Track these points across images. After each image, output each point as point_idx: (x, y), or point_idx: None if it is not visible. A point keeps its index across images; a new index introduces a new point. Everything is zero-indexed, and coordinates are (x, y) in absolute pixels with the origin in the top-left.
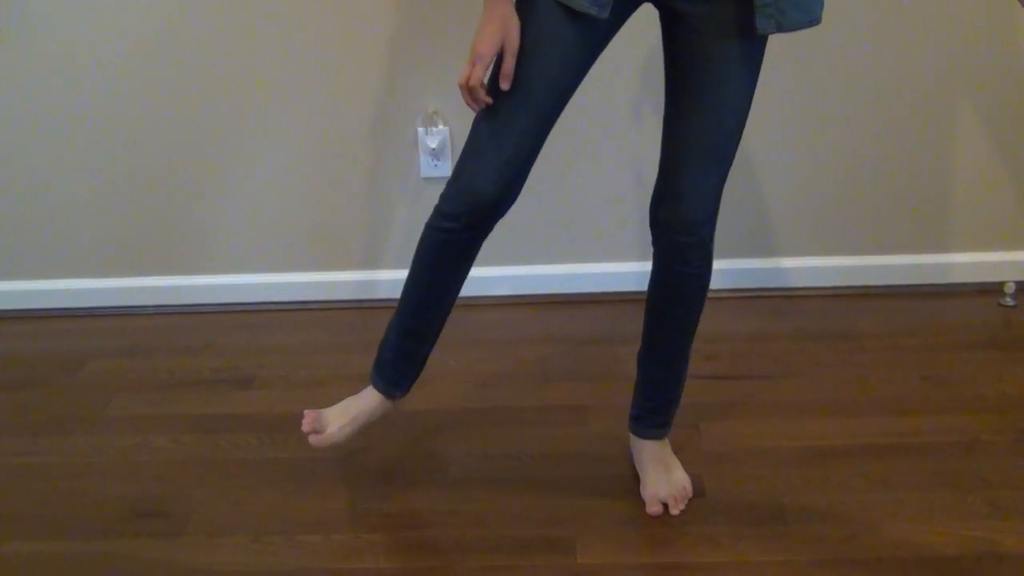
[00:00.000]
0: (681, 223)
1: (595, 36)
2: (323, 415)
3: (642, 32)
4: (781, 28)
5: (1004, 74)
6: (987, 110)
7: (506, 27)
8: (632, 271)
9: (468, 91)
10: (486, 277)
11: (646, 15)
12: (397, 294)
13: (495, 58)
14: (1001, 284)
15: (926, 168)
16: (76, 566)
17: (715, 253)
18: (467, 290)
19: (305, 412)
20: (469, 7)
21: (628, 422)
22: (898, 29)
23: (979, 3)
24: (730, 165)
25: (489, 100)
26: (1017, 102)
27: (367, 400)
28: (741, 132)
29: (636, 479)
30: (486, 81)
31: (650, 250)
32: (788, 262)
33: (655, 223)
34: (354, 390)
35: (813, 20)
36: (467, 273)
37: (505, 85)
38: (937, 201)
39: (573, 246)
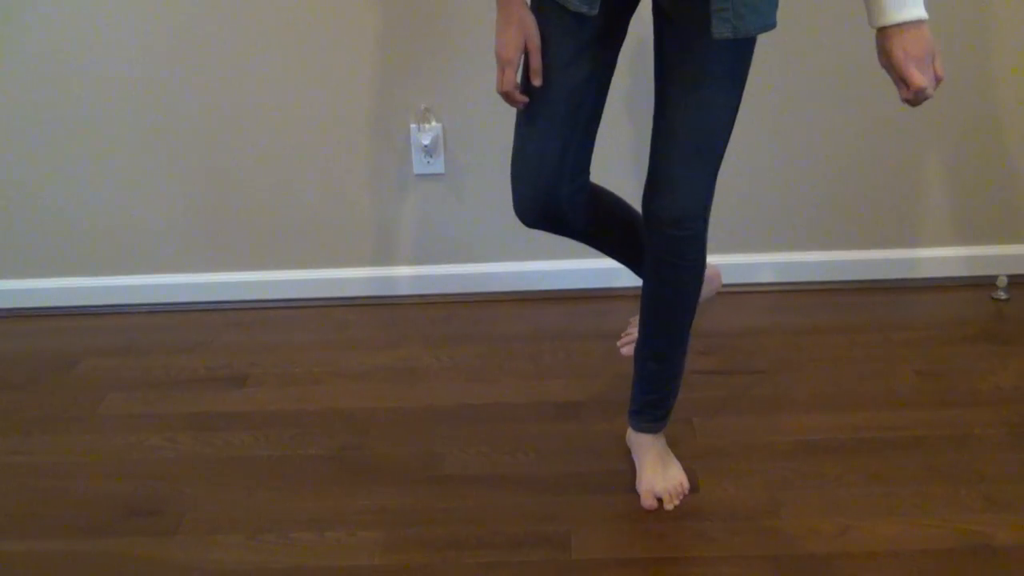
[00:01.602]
0: (674, 217)
1: (595, 34)
2: None
3: (631, 25)
4: (737, 33)
5: (1000, 72)
6: (981, 105)
7: (525, 27)
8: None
9: (504, 97)
10: (481, 273)
11: (637, 11)
12: (391, 291)
13: (521, 59)
14: (994, 278)
15: (919, 163)
16: (69, 565)
17: (709, 249)
18: (462, 287)
19: None
20: (463, 4)
21: (627, 416)
22: None
23: (965, 2)
24: (719, 160)
25: (525, 99)
26: (1010, 99)
27: None
28: (730, 127)
29: (631, 474)
30: (519, 80)
31: None
32: (781, 257)
33: (648, 217)
34: (348, 388)
35: (768, 25)
36: (600, 211)
37: (537, 81)
38: (930, 195)
39: (566, 242)
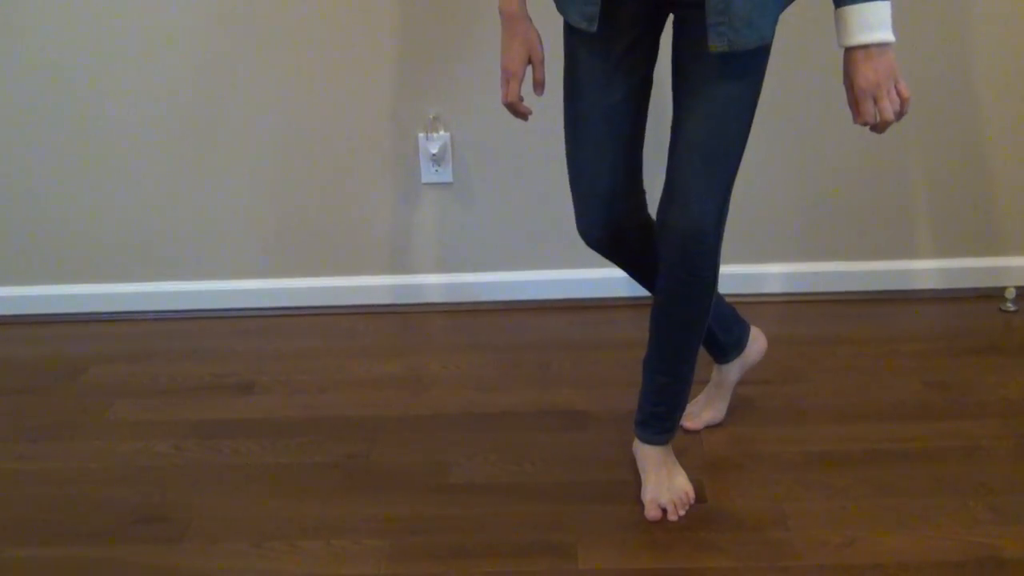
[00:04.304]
0: (686, 230)
1: (625, 52)
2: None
3: None
4: (733, 46)
5: (1003, 84)
6: (990, 118)
7: (528, 40)
8: None
9: (509, 108)
10: (488, 282)
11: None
12: (398, 300)
13: (525, 72)
14: (1003, 290)
15: (928, 174)
16: (76, 572)
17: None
18: (469, 295)
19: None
20: (471, 13)
21: (633, 427)
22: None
23: (962, 7)
24: (732, 171)
25: (529, 110)
26: (1012, 107)
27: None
28: (742, 140)
29: (638, 484)
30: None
31: None
32: (789, 268)
33: (660, 229)
34: (356, 396)
35: (764, 38)
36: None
37: (539, 92)
38: (939, 207)
39: (574, 251)
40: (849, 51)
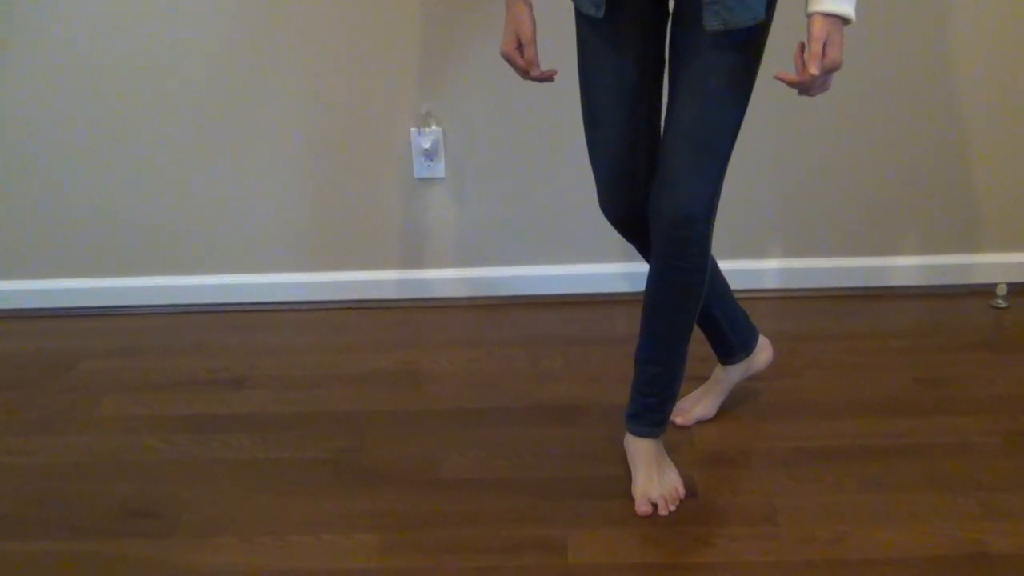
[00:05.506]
0: (675, 216)
1: (625, 36)
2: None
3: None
4: (727, 25)
5: (995, 83)
6: (981, 116)
7: (517, 22)
8: (624, 272)
9: (532, 79)
10: (480, 278)
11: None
12: (390, 294)
13: (525, 51)
14: (994, 286)
15: (921, 170)
16: (66, 566)
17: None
18: (461, 291)
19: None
20: (463, 9)
21: (624, 420)
22: (889, 25)
23: (943, 4)
24: (723, 160)
25: (548, 74)
26: (1011, 109)
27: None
28: (733, 127)
29: (628, 479)
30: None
31: None
32: (780, 263)
33: (651, 215)
34: (347, 391)
35: (756, 16)
36: None
37: (535, 72)
38: (931, 203)
39: (566, 247)
40: (813, 16)
